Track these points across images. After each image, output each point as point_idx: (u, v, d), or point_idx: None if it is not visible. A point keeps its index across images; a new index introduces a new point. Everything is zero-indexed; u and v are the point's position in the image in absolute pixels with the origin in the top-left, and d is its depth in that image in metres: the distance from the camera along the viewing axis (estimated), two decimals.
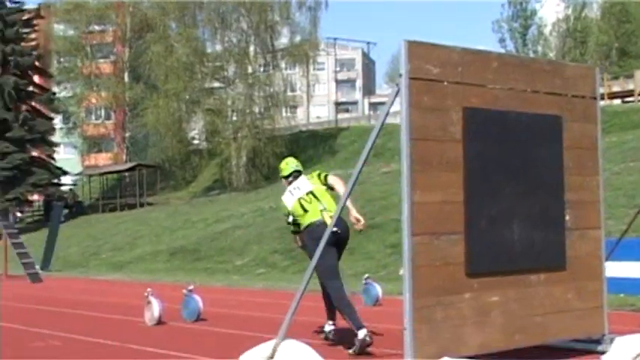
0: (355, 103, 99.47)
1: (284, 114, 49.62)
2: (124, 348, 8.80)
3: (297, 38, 48.14)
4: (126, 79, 56.81)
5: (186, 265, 24.65)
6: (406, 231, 6.16)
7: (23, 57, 51.41)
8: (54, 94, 55.24)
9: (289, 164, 9.10)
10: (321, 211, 8.43)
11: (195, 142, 51.99)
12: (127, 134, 58.06)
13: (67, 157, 62.85)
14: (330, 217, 8.04)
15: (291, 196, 8.68)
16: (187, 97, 46.63)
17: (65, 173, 53.19)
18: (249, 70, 46.78)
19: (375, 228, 22.28)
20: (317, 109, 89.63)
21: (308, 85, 59.63)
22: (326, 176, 8.70)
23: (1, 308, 14.37)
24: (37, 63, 53.59)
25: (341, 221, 8.07)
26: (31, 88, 53.18)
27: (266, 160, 43.54)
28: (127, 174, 54.05)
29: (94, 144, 62.73)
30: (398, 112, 6.42)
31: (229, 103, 46.68)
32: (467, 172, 6.51)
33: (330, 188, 8.64)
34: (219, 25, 46.13)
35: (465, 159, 6.51)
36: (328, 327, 8.79)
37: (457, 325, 6.38)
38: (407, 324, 6.08)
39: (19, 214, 54.49)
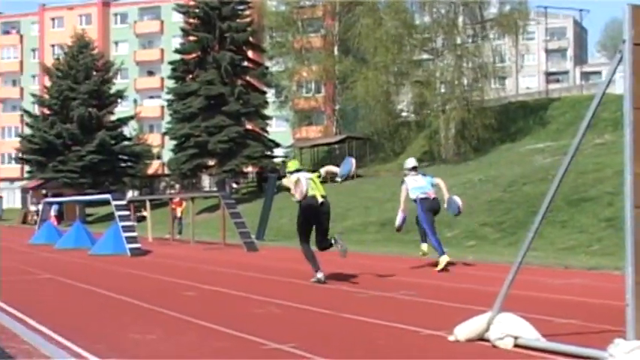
0: (566, 72, 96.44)
1: (493, 85, 48.79)
2: (338, 317, 8.96)
3: (507, 7, 47.13)
4: (335, 52, 57.54)
5: (395, 237, 24.69)
6: (628, 203, 5.91)
7: (238, 33, 53.14)
8: (267, 68, 56.82)
9: (296, 164, 13.72)
10: (312, 189, 12.70)
11: (404, 114, 52.06)
12: (337, 107, 58.87)
13: (278, 130, 64.60)
14: (321, 196, 12.74)
15: (304, 179, 12.85)
16: (396, 69, 46.71)
17: (277, 146, 54.66)
18: (458, 41, 46.27)
19: (588, 201, 21.59)
20: (526, 79, 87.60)
21: (517, 56, 58.19)
22: (319, 175, 13.31)
23: (222, 275, 15.01)
24: (251, 39, 55.24)
25: (325, 199, 12.80)
26: (245, 63, 54.94)
27: (475, 132, 43.03)
28: (336, 146, 54.89)
29: (305, 117, 63.97)
30: (612, 80, 6.16)
31: (438, 74, 46.42)
32: None
33: (324, 176, 13.32)
34: None
35: None
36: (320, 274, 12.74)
37: None
38: (629, 300, 5.85)
39: (234, 186, 56.70)
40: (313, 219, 12.83)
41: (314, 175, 13.21)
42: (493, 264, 15.69)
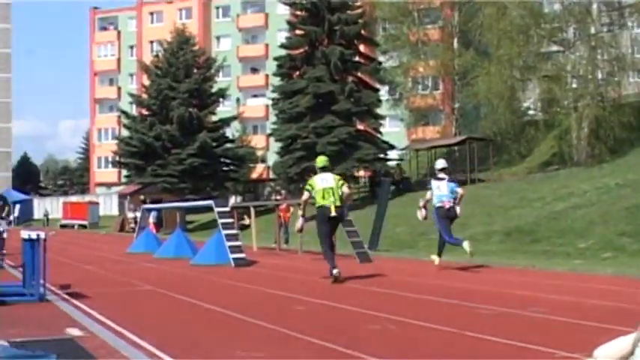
0: None
1: (631, 79, 47.68)
2: (461, 335, 8.87)
3: None
4: (455, 45, 57.20)
5: (522, 247, 24.44)
6: None
7: (349, 26, 53.19)
8: (380, 63, 56.70)
9: (323, 162, 16.50)
10: (332, 201, 15.72)
11: (531, 112, 51.34)
12: (456, 105, 58.49)
13: (392, 130, 64.59)
14: (335, 206, 15.73)
15: (321, 182, 15.95)
16: (522, 62, 46.07)
17: (391, 147, 54.51)
18: (592, 30, 45.29)
19: None
20: None
21: None
22: (342, 184, 16.12)
23: (333, 288, 15.05)
24: (362, 31, 55.23)
25: (341, 210, 15.96)
26: (356, 58, 54.94)
27: (611, 131, 42.12)
28: (456, 148, 54.51)
29: (421, 116, 63.78)
30: None
31: (569, 68, 45.58)
32: None
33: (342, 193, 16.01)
34: None
35: None
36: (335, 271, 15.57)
37: None
38: None
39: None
40: (328, 225, 16.03)
41: (336, 184, 16.03)
42: (633, 278, 15.31)
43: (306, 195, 16.29)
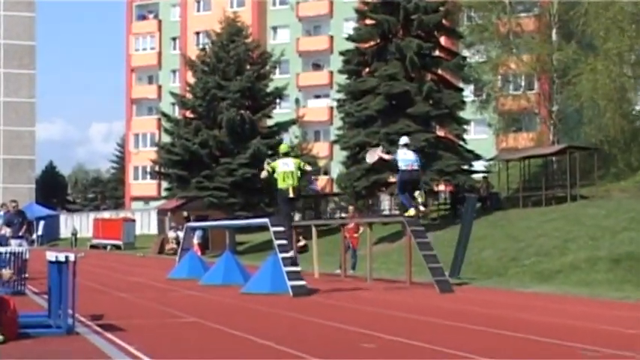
0: None
1: None
2: None
3: None
4: (554, 37, 56.73)
5: (634, 277, 24.19)
6: None
7: (428, 14, 52.89)
8: (464, 59, 56.25)
9: (286, 148, 22.88)
10: (290, 184, 20.91)
11: None
12: (555, 108, 57.96)
13: (478, 137, 64.24)
14: (294, 188, 21.07)
15: (283, 166, 21.27)
16: (634, 58, 45.63)
17: (477, 158, 54.14)
18: None
19: None
20: None
21: None
22: (304, 165, 21.84)
23: (408, 322, 15.06)
24: (444, 21, 54.94)
25: (298, 191, 21.94)
26: (436, 53, 54.60)
27: None
28: (554, 159, 54.01)
29: (513, 121, 63.25)
30: None
31: None
32: None
33: (304, 172, 21.83)
34: None
35: None
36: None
37: None
38: None
39: (422, 208, 56.42)
40: (288, 206, 21.75)
41: (296, 167, 21.40)
42: None
43: (264, 174, 21.89)
